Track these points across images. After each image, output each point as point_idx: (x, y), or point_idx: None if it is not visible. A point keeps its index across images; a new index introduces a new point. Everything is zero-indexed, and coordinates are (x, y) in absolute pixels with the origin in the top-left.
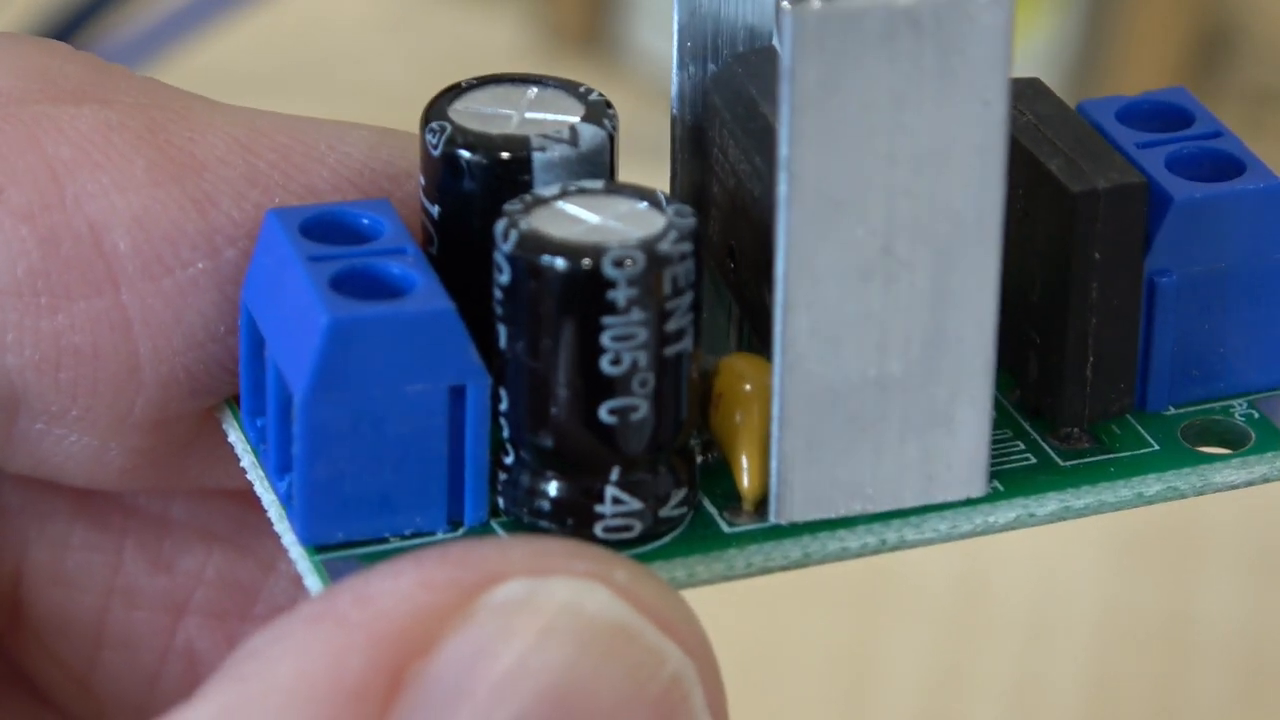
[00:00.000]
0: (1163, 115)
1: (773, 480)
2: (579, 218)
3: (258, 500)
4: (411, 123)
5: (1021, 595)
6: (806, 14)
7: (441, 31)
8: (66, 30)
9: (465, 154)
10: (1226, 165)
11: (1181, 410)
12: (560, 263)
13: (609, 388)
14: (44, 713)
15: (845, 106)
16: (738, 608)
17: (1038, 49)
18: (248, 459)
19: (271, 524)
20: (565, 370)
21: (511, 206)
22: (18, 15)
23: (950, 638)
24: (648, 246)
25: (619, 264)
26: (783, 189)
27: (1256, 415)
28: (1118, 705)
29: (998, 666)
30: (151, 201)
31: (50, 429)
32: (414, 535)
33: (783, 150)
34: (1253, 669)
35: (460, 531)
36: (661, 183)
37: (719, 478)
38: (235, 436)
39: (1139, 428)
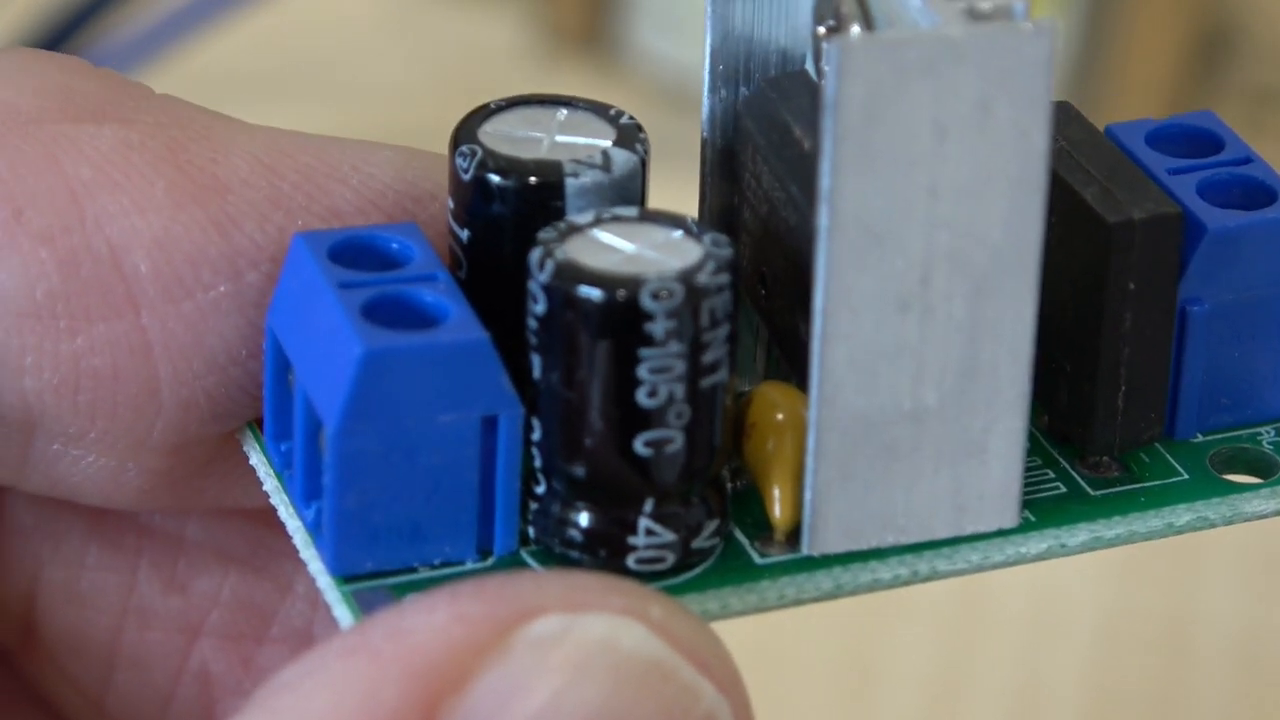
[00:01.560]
0: (1192, 139)
1: (806, 512)
2: (614, 247)
3: (275, 521)
4: (413, 123)
5: (1023, 598)
6: (851, 45)
7: (441, 32)
8: (66, 31)
9: (497, 179)
10: (1257, 192)
11: (1210, 437)
12: (597, 294)
13: (645, 420)
14: None
15: (887, 138)
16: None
17: None
18: (270, 483)
19: (289, 545)
20: (601, 401)
21: (546, 235)
22: (17, 15)
23: (951, 640)
24: (686, 278)
25: (657, 296)
26: (823, 220)
27: None
28: (1118, 708)
29: (999, 669)
30: (173, 223)
31: (67, 450)
32: (443, 565)
33: (824, 182)
34: (1253, 673)
35: (490, 561)
36: (664, 182)
37: (748, 505)
38: (257, 459)
39: (1168, 456)
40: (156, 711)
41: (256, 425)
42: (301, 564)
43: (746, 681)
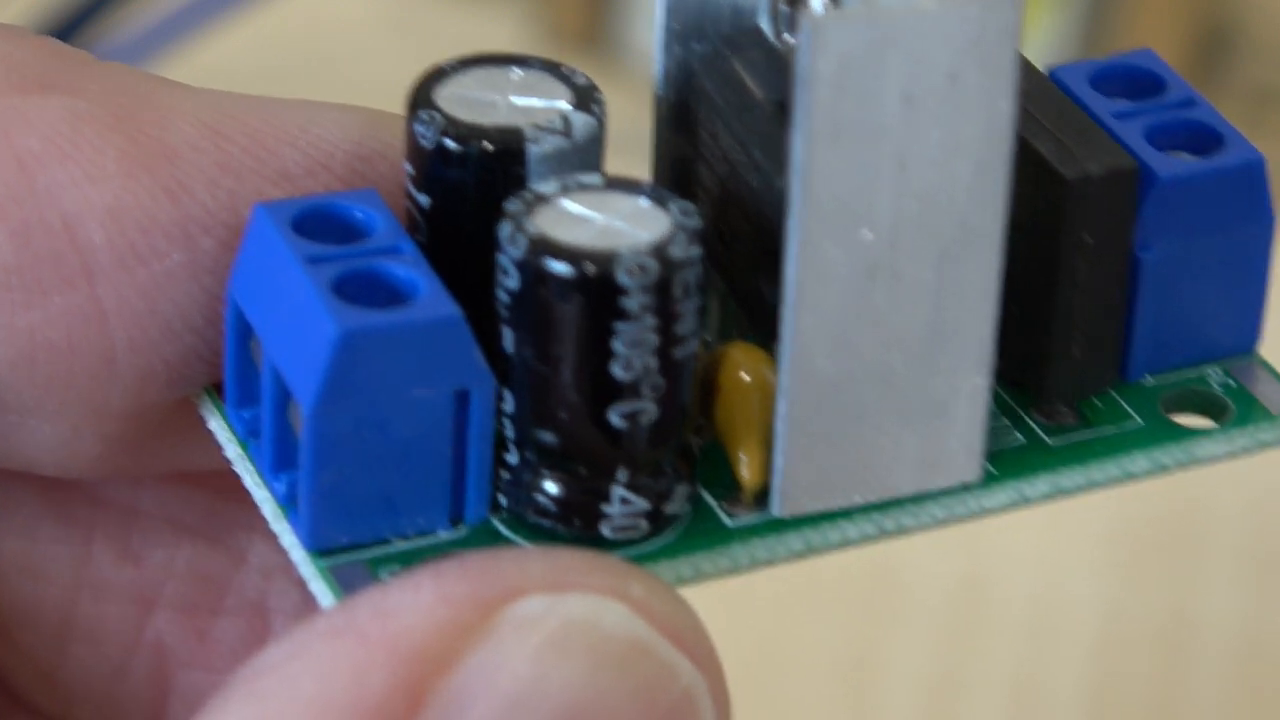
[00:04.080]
0: (1133, 79)
1: (775, 475)
2: (584, 218)
3: (227, 490)
4: None
5: (1021, 597)
6: (823, 21)
7: (441, 31)
8: (67, 30)
9: (458, 147)
10: (1205, 136)
11: (1160, 380)
12: (572, 271)
13: (618, 392)
14: (9, 706)
15: (858, 110)
16: (738, 608)
17: (1038, 48)
18: (233, 450)
19: (241, 515)
20: (575, 376)
21: (513, 207)
22: (17, 15)
23: (950, 639)
24: (659, 252)
25: (631, 272)
26: (795, 193)
27: (1233, 384)
28: (1118, 707)
29: (998, 668)
30: (124, 192)
31: (23, 420)
32: (416, 535)
33: (796, 156)
34: (1252, 671)
35: (462, 529)
36: None
37: (713, 464)
38: (217, 424)
39: (1120, 400)
40: (110, 684)
41: (213, 389)
42: (254, 534)
43: (747, 679)
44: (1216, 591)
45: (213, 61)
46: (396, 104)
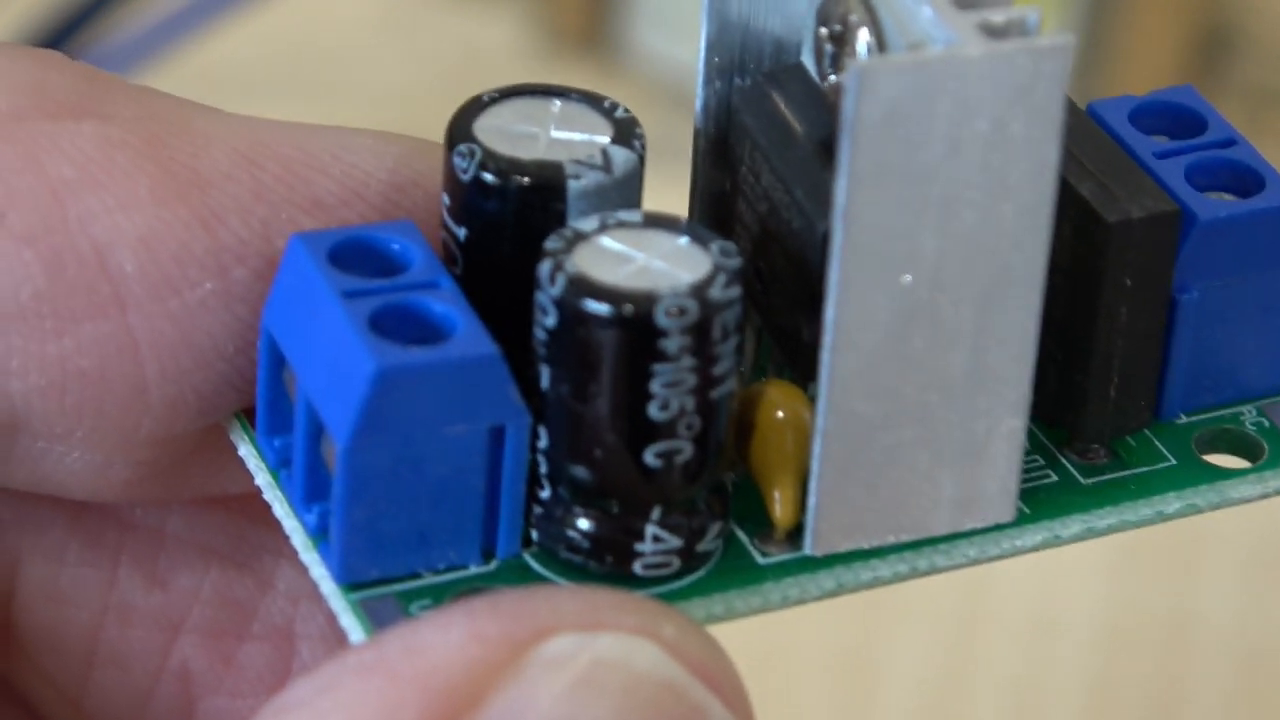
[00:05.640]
0: (1174, 116)
1: (810, 515)
2: (624, 256)
3: (255, 514)
4: (411, 123)
5: (1023, 596)
6: (871, 68)
7: (441, 32)
8: (66, 31)
9: (498, 181)
10: (1245, 176)
11: (1193, 418)
12: (612, 312)
13: (655, 432)
14: None
15: (903, 155)
16: None
17: None
18: (263, 478)
19: (269, 539)
20: (612, 415)
21: (552, 245)
22: (17, 16)
23: (952, 638)
24: (699, 294)
25: (671, 313)
26: (838, 236)
27: (1267, 424)
28: (1118, 706)
29: (999, 667)
30: (157, 221)
31: (52, 447)
32: (447, 569)
33: (840, 199)
34: (1253, 670)
35: (493, 564)
36: (664, 182)
37: (745, 499)
38: (247, 451)
39: (1154, 439)
40: (136, 710)
41: (244, 415)
42: (281, 559)
43: (747, 680)
44: (1216, 591)
45: (213, 61)
46: (395, 104)
